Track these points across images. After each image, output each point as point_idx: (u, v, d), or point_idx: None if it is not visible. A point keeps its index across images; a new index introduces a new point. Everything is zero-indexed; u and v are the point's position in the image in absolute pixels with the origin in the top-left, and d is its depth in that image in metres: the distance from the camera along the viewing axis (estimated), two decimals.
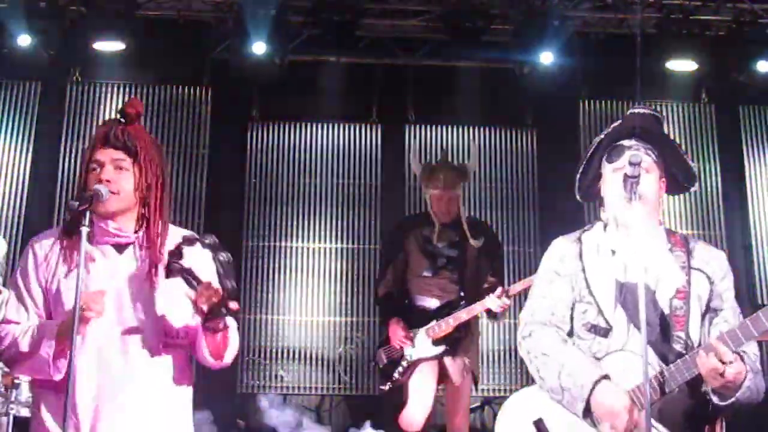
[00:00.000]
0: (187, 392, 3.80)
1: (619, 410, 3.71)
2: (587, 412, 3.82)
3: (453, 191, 7.08)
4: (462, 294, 6.93)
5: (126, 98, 9.53)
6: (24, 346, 3.51)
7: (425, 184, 7.18)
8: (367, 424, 8.74)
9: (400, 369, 6.79)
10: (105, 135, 3.67)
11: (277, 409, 9.01)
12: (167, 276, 3.52)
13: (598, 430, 3.85)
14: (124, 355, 3.58)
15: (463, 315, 6.73)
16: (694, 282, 3.95)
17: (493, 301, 6.60)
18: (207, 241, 3.52)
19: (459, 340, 6.86)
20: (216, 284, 3.44)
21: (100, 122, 9.21)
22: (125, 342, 3.59)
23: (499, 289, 6.59)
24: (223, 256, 3.47)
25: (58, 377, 3.47)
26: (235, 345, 3.75)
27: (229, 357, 3.73)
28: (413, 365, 6.78)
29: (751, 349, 3.81)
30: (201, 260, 3.59)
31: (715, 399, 3.69)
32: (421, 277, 6.97)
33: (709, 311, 3.94)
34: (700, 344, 3.83)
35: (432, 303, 6.91)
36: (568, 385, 3.84)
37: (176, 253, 3.50)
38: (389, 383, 6.87)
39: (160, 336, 3.63)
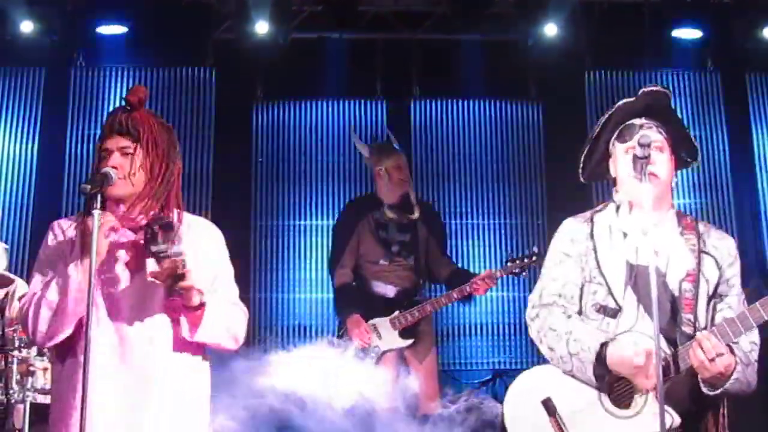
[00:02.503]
0: (204, 367, 3.87)
1: (640, 353, 3.73)
2: (599, 376, 3.84)
3: (404, 158, 7.45)
4: (420, 281, 7.12)
5: (130, 82, 9.54)
6: (52, 295, 3.57)
7: (379, 158, 7.35)
8: None
9: (370, 361, 6.90)
10: (111, 123, 3.77)
11: None
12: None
13: (606, 409, 3.88)
14: (145, 332, 3.66)
15: (428, 307, 6.91)
16: (704, 265, 3.97)
17: (482, 284, 6.83)
18: (157, 224, 3.58)
19: (422, 328, 7.03)
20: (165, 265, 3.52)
21: (106, 106, 9.40)
22: (130, 314, 3.67)
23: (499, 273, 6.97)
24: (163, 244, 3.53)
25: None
26: (225, 326, 3.79)
27: (211, 337, 3.76)
28: (381, 356, 6.91)
29: (750, 338, 3.85)
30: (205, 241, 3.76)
31: (704, 388, 3.74)
32: (376, 264, 7.08)
33: (716, 296, 3.96)
34: (705, 327, 3.85)
35: (389, 290, 7.08)
36: (575, 351, 3.89)
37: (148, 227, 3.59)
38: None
39: (162, 308, 3.71)
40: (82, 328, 3.56)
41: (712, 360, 3.62)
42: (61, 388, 3.65)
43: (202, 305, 3.64)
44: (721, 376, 3.68)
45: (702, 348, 3.63)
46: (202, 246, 3.85)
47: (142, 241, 3.66)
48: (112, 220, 3.60)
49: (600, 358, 3.83)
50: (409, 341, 6.98)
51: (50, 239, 3.78)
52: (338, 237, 7.44)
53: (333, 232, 7.81)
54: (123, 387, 3.60)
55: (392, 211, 7.22)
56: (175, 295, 3.57)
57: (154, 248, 3.51)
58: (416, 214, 7.25)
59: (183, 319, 3.69)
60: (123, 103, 3.81)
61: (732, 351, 3.69)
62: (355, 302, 7.04)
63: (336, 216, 9.09)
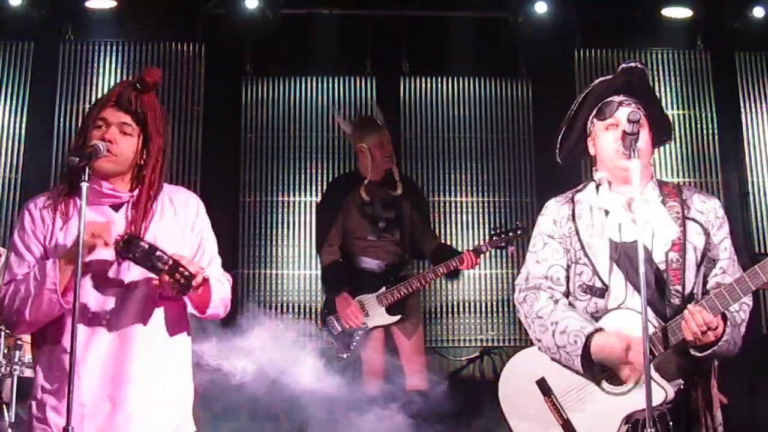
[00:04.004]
0: (185, 341, 3.89)
1: (623, 348, 3.77)
2: (587, 367, 3.87)
3: (387, 133, 7.37)
4: (406, 257, 7.15)
5: (119, 56, 9.49)
6: (30, 288, 3.54)
7: (360, 135, 7.32)
8: None
9: (359, 338, 6.92)
10: (118, 96, 3.72)
11: None
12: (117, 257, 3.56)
13: (600, 386, 3.91)
14: (123, 308, 3.65)
15: (415, 283, 6.92)
16: (689, 232, 3.98)
17: (470, 260, 6.87)
18: (133, 250, 3.49)
19: (409, 303, 7.05)
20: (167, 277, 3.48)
21: (95, 81, 9.36)
22: (122, 295, 3.66)
23: (469, 253, 7.00)
24: (160, 259, 3.48)
25: (67, 306, 3.53)
26: (220, 296, 3.81)
27: (214, 309, 3.80)
28: (369, 333, 6.93)
29: (743, 300, 3.87)
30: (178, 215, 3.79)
31: (693, 351, 3.77)
32: (364, 240, 7.09)
33: (706, 261, 3.98)
34: (692, 295, 3.87)
35: (376, 265, 7.07)
36: (562, 343, 3.91)
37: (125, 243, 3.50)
38: (348, 353, 7.00)
39: (153, 288, 3.67)
40: (62, 315, 3.59)
41: (704, 333, 3.65)
42: (54, 378, 3.62)
43: (206, 281, 3.65)
44: (710, 342, 3.72)
45: (695, 322, 3.64)
46: (185, 216, 3.87)
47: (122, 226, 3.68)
48: (108, 229, 3.56)
49: (586, 351, 3.86)
50: (397, 317, 7.00)
51: (27, 222, 3.73)
52: (324, 215, 7.42)
53: (317, 210, 7.79)
54: (109, 366, 3.61)
55: (375, 188, 7.22)
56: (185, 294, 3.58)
57: (147, 266, 3.49)
58: (399, 191, 7.25)
59: (188, 301, 3.73)
60: (136, 81, 3.76)
61: (723, 317, 3.72)
62: (342, 280, 7.05)
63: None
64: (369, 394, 6.89)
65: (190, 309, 3.77)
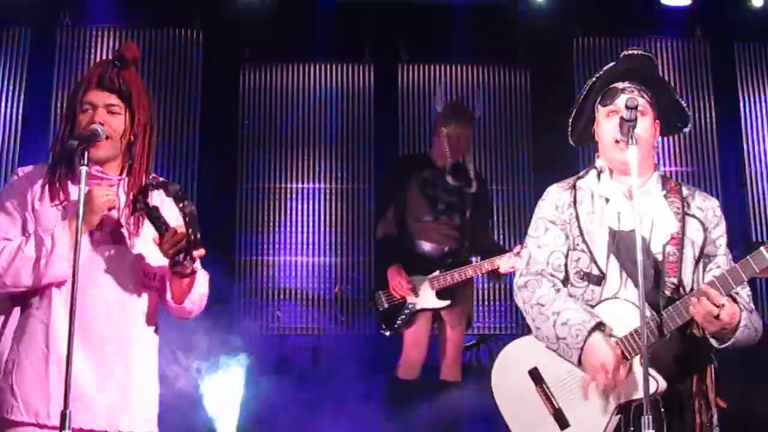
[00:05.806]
0: (155, 337, 3.88)
1: (604, 366, 3.77)
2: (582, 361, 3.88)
3: (470, 129, 7.34)
4: (465, 243, 7.05)
5: (117, 42, 9.45)
6: (30, 250, 3.51)
7: (445, 120, 7.26)
8: None
9: (404, 317, 6.87)
10: (100, 77, 3.69)
11: None
12: (132, 212, 3.63)
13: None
14: (101, 291, 3.63)
15: (469, 271, 6.85)
16: (688, 228, 3.99)
17: (507, 262, 6.75)
18: (171, 189, 3.54)
19: (460, 291, 6.97)
20: (181, 230, 3.50)
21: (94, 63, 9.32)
22: (103, 278, 3.65)
23: (517, 249, 6.67)
24: (188, 206, 3.49)
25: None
26: (200, 292, 3.81)
27: (190, 304, 3.80)
28: (415, 314, 6.88)
29: (744, 290, 3.88)
30: (168, 204, 3.70)
31: (714, 343, 3.77)
32: (421, 221, 7.04)
33: (703, 257, 3.98)
34: (692, 289, 3.87)
35: (433, 248, 7.01)
36: (563, 335, 3.90)
37: (143, 192, 3.57)
38: (391, 330, 6.97)
39: (136, 275, 3.69)
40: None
41: (719, 308, 3.62)
42: (23, 347, 3.57)
43: (194, 272, 3.66)
44: (728, 327, 3.69)
45: (709, 297, 3.62)
46: (171, 204, 3.85)
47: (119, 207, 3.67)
48: (112, 196, 3.58)
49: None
50: (446, 302, 6.93)
51: (15, 184, 3.71)
52: (384, 191, 7.52)
53: (381, 185, 7.93)
54: (89, 346, 3.59)
55: (443, 173, 7.17)
56: (179, 266, 3.57)
57: (154, 216, 3.53)
58: (474, 188, 7.21)
59: (168, 287, 3.72)
60: (115, 58, 3.74)
61: (734, 300, 3.71)
62: (394, 255, 7.03)
63: (321, 179, 9.11)
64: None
65: (168, 298, 3.77)
